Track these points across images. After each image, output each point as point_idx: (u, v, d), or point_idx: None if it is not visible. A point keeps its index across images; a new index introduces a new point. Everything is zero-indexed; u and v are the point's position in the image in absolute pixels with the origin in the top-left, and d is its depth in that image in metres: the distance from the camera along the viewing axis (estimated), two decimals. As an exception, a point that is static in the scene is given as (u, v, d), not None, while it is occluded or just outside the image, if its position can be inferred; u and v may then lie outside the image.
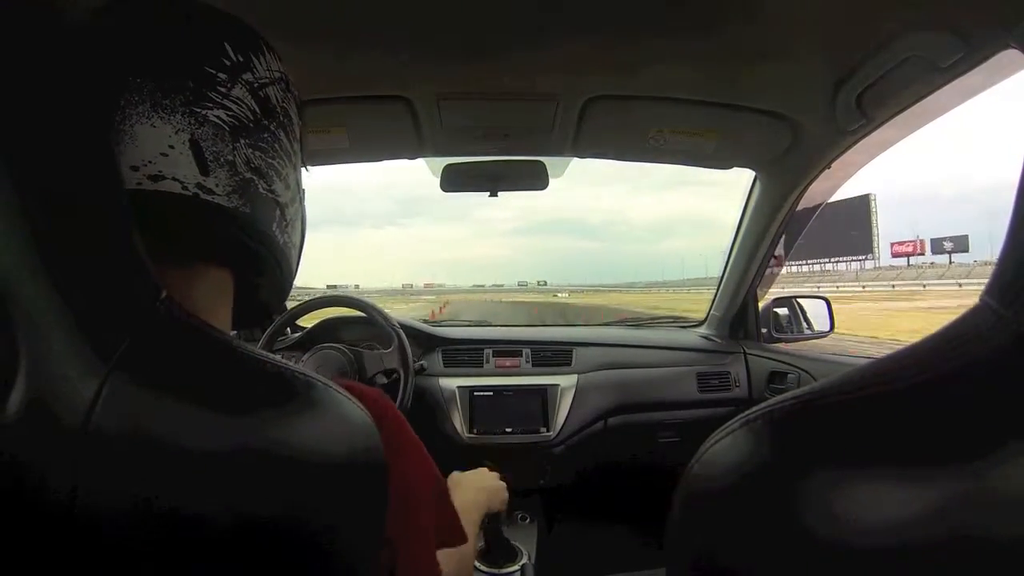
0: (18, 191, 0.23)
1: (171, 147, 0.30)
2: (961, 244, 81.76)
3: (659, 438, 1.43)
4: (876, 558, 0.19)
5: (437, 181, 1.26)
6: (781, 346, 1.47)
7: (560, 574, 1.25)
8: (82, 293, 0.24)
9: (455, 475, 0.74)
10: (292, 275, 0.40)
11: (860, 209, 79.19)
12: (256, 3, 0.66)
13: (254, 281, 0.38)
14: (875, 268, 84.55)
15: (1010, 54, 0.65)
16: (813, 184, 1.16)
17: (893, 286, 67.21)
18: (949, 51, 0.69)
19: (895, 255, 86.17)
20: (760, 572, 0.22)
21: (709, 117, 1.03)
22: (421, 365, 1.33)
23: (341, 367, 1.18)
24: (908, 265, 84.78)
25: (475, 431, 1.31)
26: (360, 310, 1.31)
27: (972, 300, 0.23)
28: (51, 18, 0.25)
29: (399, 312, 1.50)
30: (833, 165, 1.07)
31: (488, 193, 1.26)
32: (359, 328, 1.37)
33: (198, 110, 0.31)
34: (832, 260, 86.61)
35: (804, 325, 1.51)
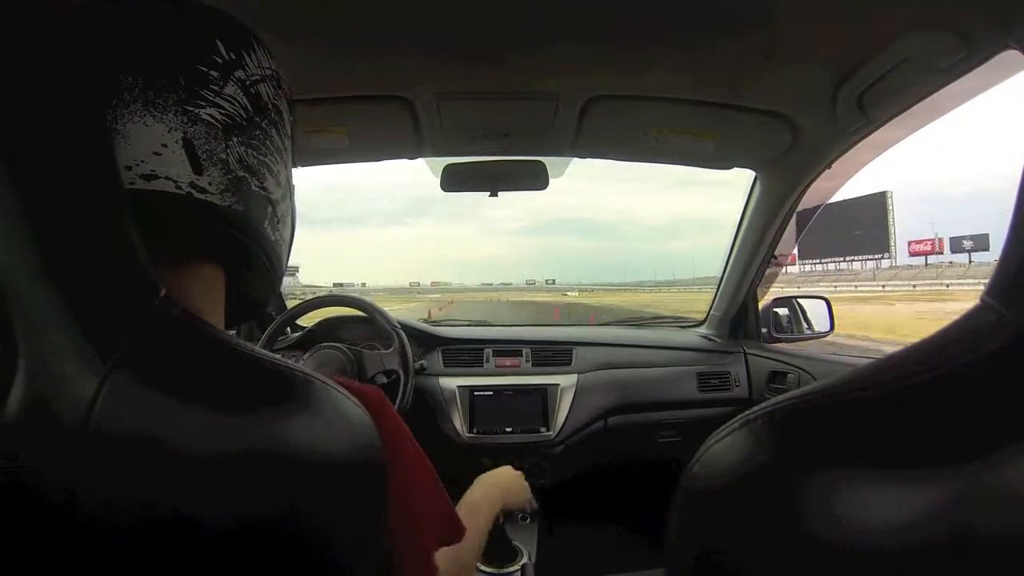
0: (17, 191, 0.23)
1: (164, 146, 0.30)
2: (981, 243, 79.95)
3: (659, 438, 1.42)
4: (876, 558, 0.19)
5: (439, 181, 1.26)
6: (781, 346, 1.47)
7: (560, 574, 1.25)
8: (81, 292, 0.24)
9: (480, 476, 0.74)
10: (282, 271, 0.40)
11: (876, 207, 77.79)
12: (256, 2, 0.66)
13: (245, 277, 0.38)
14: (891, 267, 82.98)
15: (1010, 54, 0.64)
16: (814, 184, 1.15)
17: (914, 286, 65.92)
18: (949, 51, 0.69)
19: (912, 254, 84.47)
20: (760, 572, 0.22)
21: (709, 117, 1.02)
22: (421, 365, 1.34)
23: (341, 367, 1.18)
24: (926, 264, 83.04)
25: (475, 431, 1.31)
26: (360, 310, 1.31)
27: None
28: (44, 15, 0.25)
29: (397, 312, 1.50)
30: (834, 165, 1.07)
31: (488, 193, 1.26)
32: (359, 328, 1.37)
33: (191, 108, 0.31)
34: (847, 259, 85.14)
35: (804, 325, 1.50)
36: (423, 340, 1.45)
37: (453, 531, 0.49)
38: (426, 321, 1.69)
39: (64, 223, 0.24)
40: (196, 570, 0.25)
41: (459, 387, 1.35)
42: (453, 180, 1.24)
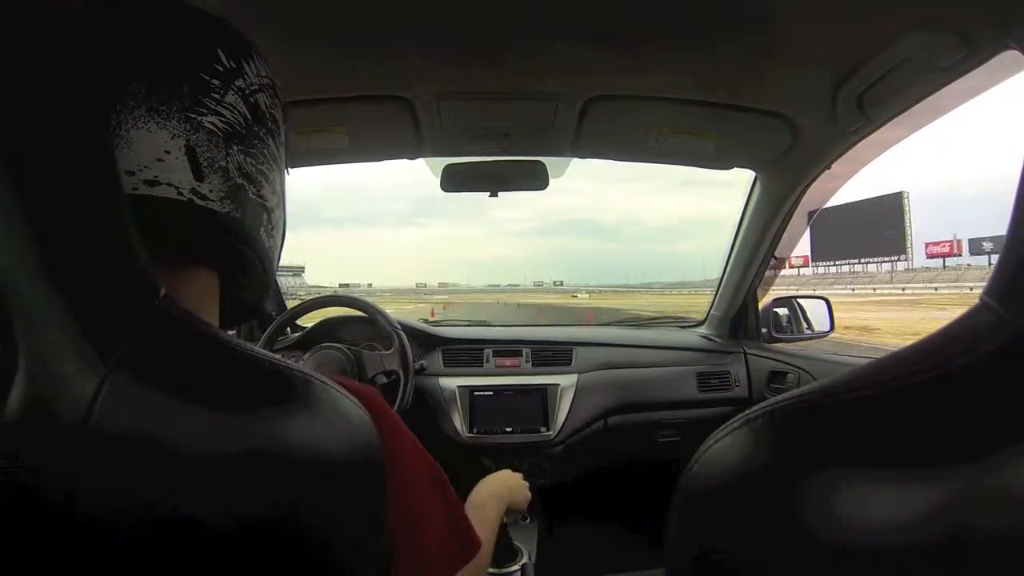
0: (18, 191, 0.23)
1: (167, 152, 0.31)
2: (1002, 245, 77.54)
3: (659, 438, 1.42)
4: (876, 558, 0.19)
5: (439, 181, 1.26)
6: (781, 346, 1.47)
7: (560, 574, 1.25)
8: (81, 292, 0.24)
9: (484, 479, 0.74)
10: (274, 275, 0.41)
11: (892, 208, 76.17)
12: (256, 3, 0.66)
13: (239, 282, 0.38)
14: (907, 270, 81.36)
15: (1010, 54, 0.64)
16: (814, 184, 1.15)
17: (936, 288, 64.21)
18: (949, 51, 0.69)
19: (930, 256, 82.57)
20: (760, 571, 0.22)
21: (709, 117, 1.02)
22: (421, 365, 1.34)
23: (341, 367, 1.18)
24: (944, 267, 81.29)
25: (475, 431, 1.31)
26: (361, 310, 1.31)
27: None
28: (48, 18, 0.26)
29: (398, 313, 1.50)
30: (834, 165, 1.06)
31: (488, 193, 1.26)
32: (359, 328, 1.37)
33: (193, 116, 0.31)
34: (862, 261, 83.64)
35: (804, 325, 1.50)
36: (423, 340, 1.45)
37: (469, 542, 0.48)
38: (426, 321, 1.69)
39: (64, 223, 0.24)
40: (195, 570, 0.25)
41: (459, 387, 1.35)
42: (453, 180, 1.25)
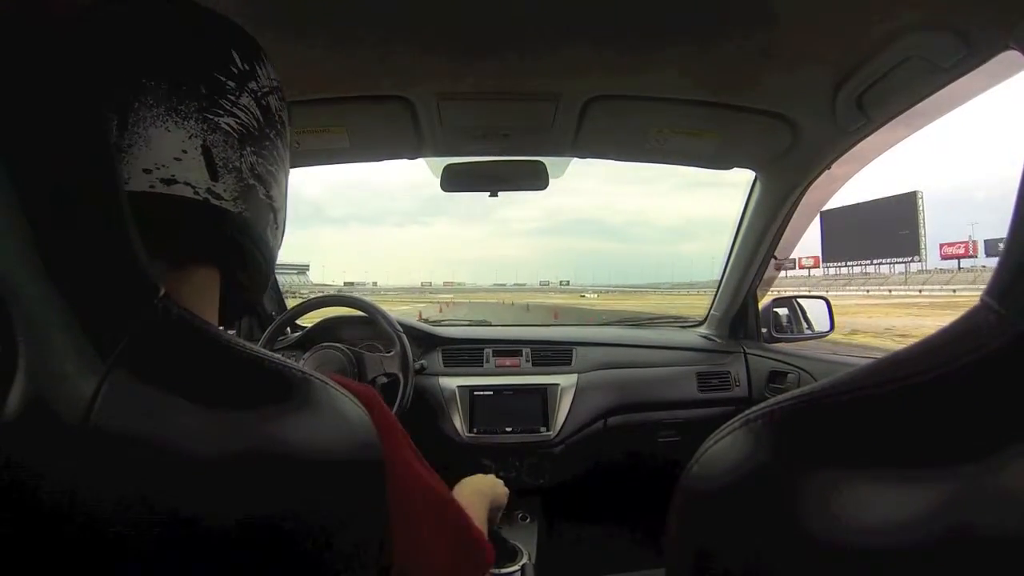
0: (18, 191, 0.23)
1: (184, 152, 0.31)
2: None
3: (659, 438, 1.42)
4: (876, 558, 0.19)
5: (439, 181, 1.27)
6: (781, 346, 1.46)
7: (560, 574, 1.25)
8: (81, 292, 0.24)
9: (460, 482, 0.75)
10: (273, 273, 0.42)
11: (906, 208, 74.74)
12: (256, 2, 0.66)
13: (241, 280, 0.39)
14: (921, 271, 80.00)
15: (1010, 55, 0.64)
16: (814, 184, 1.14)
17: (954, 290, 62.47)
18: (950, 52, 0.69)
19: (944, 257, 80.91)
20: (760, 571, 0.22)
21: (709, 117, 1.02)
22: (421, 364, 1.34)
23: (341, 367, 1.18)
24: (959, 268, 79.85)
25: (475, 430, 1.31)
26: (361, 310, 1.31)
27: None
28: (54, 18, 0.26)
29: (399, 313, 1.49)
30: (834, 165, 1.06)
31: (488, 193, 1.26)
32: (360, 328, 1.38)
33: (210, 116, 0.32)
34: (875, 262, 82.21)
35: (804, 325, 1.50)
36: (423, 340, 1.45)
37: (475, 547, 0.48)
38: (426, 321, 1.69)
39: (64, 223, 0.24)
40: (195, 569, 0.25)
41: (459, 387, 1.35)
42: (453, 180, 1.25)
